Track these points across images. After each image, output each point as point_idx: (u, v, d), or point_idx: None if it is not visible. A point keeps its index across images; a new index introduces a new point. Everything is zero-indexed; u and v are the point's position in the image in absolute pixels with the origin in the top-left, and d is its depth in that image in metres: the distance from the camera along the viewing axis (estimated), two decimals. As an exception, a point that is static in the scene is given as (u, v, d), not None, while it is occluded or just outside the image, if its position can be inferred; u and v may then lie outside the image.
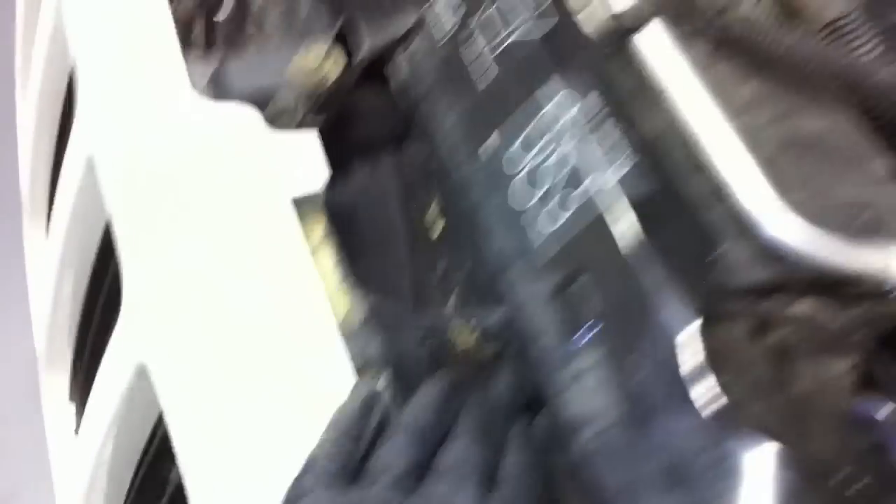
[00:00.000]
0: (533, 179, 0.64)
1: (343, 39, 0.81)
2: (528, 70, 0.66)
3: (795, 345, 0.64)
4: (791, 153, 0.62)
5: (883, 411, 0.67)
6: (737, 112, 0.60)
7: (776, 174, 0.62)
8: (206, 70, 0.79)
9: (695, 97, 0.61)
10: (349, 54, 0.81)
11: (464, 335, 0.80)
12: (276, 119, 0.78)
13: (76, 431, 1.02)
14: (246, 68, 0.80)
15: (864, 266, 0.60)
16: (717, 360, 0.61)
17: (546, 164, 0.63)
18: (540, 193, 0.63)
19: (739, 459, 0.54)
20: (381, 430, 0.62)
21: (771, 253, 0.64)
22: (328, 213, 0.77)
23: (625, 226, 0.60)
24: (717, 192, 0.65)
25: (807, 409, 0.62)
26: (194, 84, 0.78)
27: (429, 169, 0.86)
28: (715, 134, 0.60)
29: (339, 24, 0.80)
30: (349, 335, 0.67)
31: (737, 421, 0.55)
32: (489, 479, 0.59)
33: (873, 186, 0.67)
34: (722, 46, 0.62)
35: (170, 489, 0.76)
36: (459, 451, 0.59)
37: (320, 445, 0.60)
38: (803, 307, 0.66)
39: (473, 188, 0.67)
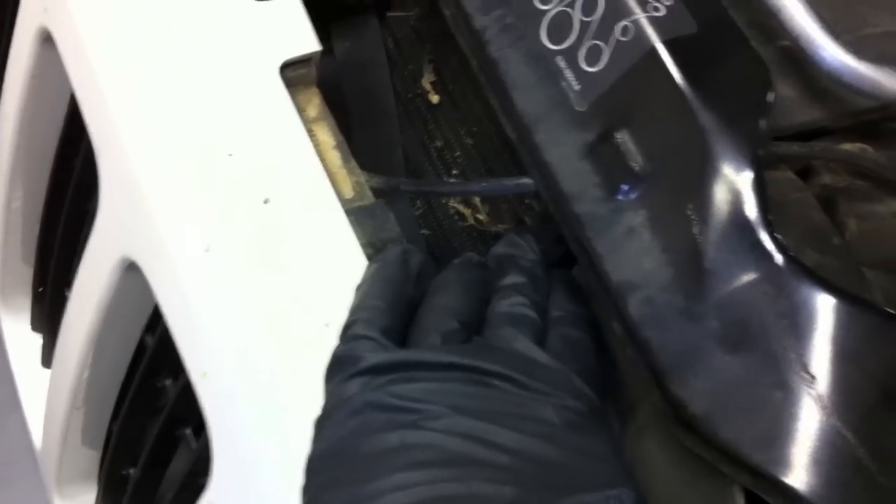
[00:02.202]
0: (566, 15, 0.58)
1: None
2: None
3: (844, 188, 0.59)
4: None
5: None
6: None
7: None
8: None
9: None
10: None
11: (470, 209, 0.74)
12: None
13: (43, 363, 0.96)
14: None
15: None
16: (773, 206, 0.56)
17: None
18: (578, 28, 0.57)
19: (809, 309, 0.49)
20: (421, 285, 0.57)
21: (815, 90, 0.59)
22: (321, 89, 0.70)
23: (674, 67, 0.54)
24: (766, 32, 0.59)
25: (862, 254, 0.58)
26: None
27: (421, 34, 0.78)
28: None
29: None
30: (354, 214, 0.60)
31: (810, 271, 0.50)
32: (541, 328, 0.54)
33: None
34: None
35: (167, 402, 0.70)
36: (507, 302, 0.54)
37: (366, 294, 0.54)
38: (849, 148, 0.61)
39: (499, 35, 0.60)
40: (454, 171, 0.76)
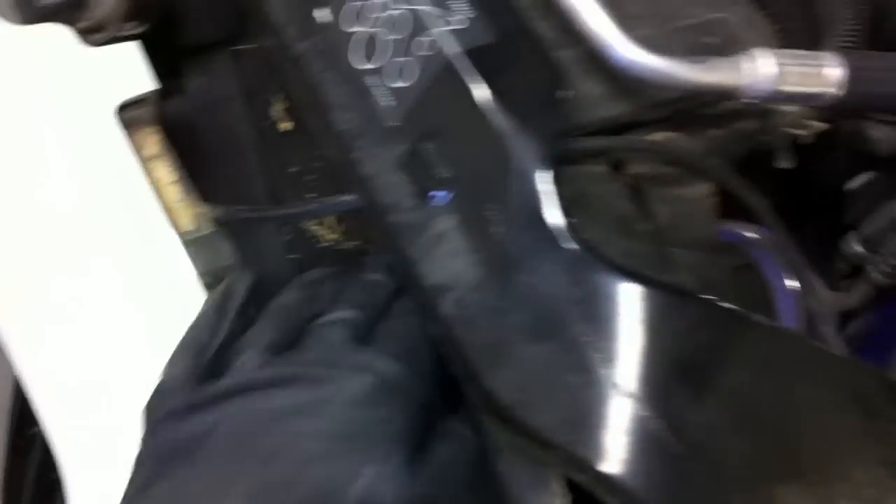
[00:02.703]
0: (373, 36, 0.60)
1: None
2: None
3: (653, 176, 0.62)
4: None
5: (748, 233, 0.67)
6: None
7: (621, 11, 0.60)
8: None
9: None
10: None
11: (325, 229, 0.76)
12: (91, 33, 0.72)
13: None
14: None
15: (713, 82, 0.58)
16: (578, 200, 0.58)
17: (387, 16, 0.59)
18: (386, 47, 0.59)
19: (601, 294, 0.52)
20: (242, 324, 0.59)
21: (620, 86, 0.62)
22: (165, 128, 0.72)
23: (472, 76, 0.56)
24: (564, 35, 0.62)
25: (670, 239, 0.61)
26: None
27: (270, 64, 0.81)
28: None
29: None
30: (194, 245, 0.62)
31: (602, 258, 0.53)
32: (363, 328, 0.57)
33: (724, 6, 0.66)
34: None
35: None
36: (331, 321, 0.57)
37: (178, 349, 0.56)
38: (658, 138, 0.64)
39: (314, 61, 0.63)
40: (312, 195, 0.78)
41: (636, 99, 0.63)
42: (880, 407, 0.56)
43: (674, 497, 0.51)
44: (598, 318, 0.52)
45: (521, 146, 0.55)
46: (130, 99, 0.67)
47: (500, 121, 0.56)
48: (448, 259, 0.57)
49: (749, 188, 0.63)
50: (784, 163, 0.72)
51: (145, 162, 0.67)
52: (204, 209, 0.66)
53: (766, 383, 0.54)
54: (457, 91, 0.57)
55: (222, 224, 0.66)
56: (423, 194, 0.58)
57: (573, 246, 0.54)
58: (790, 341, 0.55)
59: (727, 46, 0.63)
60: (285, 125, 0.80)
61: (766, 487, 0.52)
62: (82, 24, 0.71)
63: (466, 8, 0.58)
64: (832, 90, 0.59)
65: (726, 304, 0.54)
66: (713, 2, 0.69)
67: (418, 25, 0.58)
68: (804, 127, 0.70)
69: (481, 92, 0.57)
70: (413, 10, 0.58)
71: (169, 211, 0.65)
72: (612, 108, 0.63)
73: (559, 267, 0.54)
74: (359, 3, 0.61)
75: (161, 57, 0.75)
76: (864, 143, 0.75)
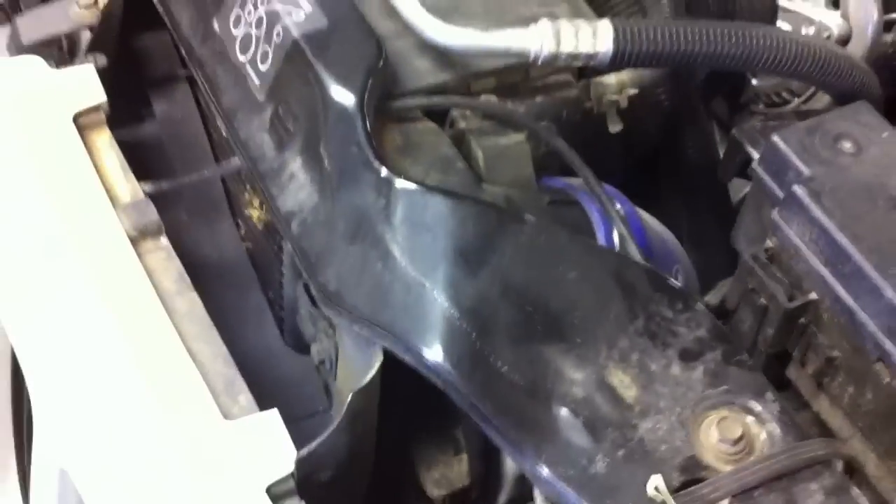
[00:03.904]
0: (248, 34, 0.78)
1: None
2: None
3: (475, 129, 0.77)
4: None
5: (566, 183, 0.80)
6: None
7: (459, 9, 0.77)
8: (6, 32, 0.95)
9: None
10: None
11: (255, 209, 0.94)
12: (65, 63, 0.93)
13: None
14: (34, 21, 0.95)
15: (506, 46, 0.74)
16: (409, 146, 0.74)
17: (254, 18, 0.78)
18: (256, 40, 0.77)
19: (405, 203, 0.67)
20: None
21: (443, 60, 0.78)
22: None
23: (307, 51, 0.74)
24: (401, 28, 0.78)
25: (486, 177, 0.75)
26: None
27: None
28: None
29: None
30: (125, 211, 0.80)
31: (397, 177, 0.68)
32: None
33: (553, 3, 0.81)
34: None
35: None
36: None
37: None
38: (484, 100, 0.80)
39: (211, 60, 0.81)
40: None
41: (457, 69, 0.79)
42: (641, 289, 0.68)
43: (450, 354, 0.65)
44: (398, 220, 0.67)
45: (341, 97, 0.72)
46: (84, 109, 0.86)
47: (326, 79, 0.73)
48: (296, 191, 0.73)
49: (553, 135, 0.78)
50: (613, 126, 0.86)
51: (95, 155, 0.85)
52: (141, 185, 0.84)
53: (534, 265, 0.67)
54: (296, 64, 0.74)
55: (165, 195, 0.84)
56: (279, 145, 0.75)
57: (382, 169, 0.69)
58: (560, 235, 0.69)
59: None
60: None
61: (534, 347, 0.65)
62: (57, 57, 0.92)
63: (306, 3, 0.76)
64: (604, 49, 0.74)
65: (501, 205, 0.69)
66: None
67: (272, 20, 0.77)
68: (620, 93, 0.85)
69: (314, 60, 0.74)
70: (269, 9, 0.76)
71: (108, 188, 0.83)
72: (438, 77, 0.79)
73: (371, 186, 0.69)
74: (238, 11, 0.80)
75: (130, 86, 0.95)
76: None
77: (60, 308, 0.72)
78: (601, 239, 0.77)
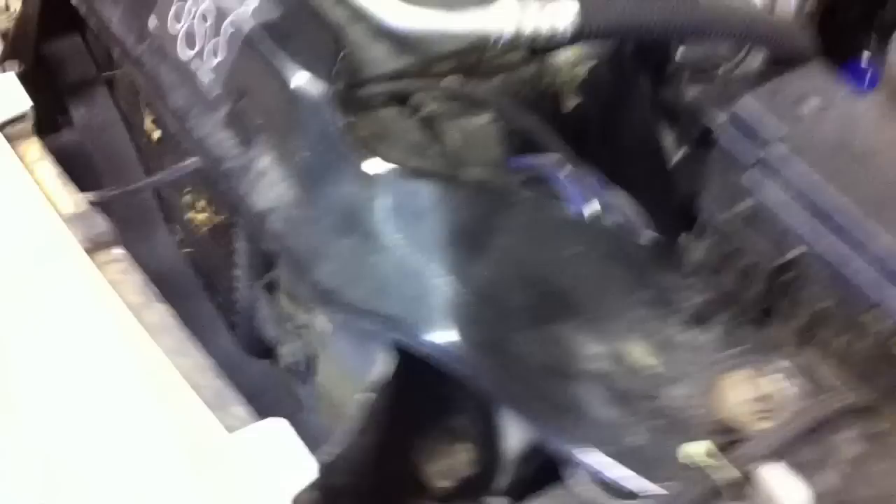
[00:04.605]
0: (192, 29, 0.74)
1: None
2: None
3: (443, 112, 0.76)
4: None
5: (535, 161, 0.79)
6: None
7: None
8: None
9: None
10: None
11: (199, 213, 0.89)
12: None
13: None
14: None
15: (469, 27, 0.72)
16: (378, 134, 0.72)
17: (198, 12, 0.74)
18: (202, 33, 0.73)
19: (396, 190, 0.65)
20: None
21: (401, 45, 0.76)
22: (59, 158, 0.85)
23: (266, 44, 0.70)
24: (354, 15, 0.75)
25: (460, 160, 0.74)
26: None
27: (135, 85, 0.95)
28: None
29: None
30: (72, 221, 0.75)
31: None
32: None
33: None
34: None
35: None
36: None
37: None
38: (448, 82, 0.78)
39: (150, 59, 0.77)
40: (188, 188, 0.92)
41: (416, 53, 0.77)
42: (642, 259, 0.69)
43: (467, 340, 0.63)
44: (389, 210, 0.65)
45: (307, 88, 0.69)
46: (9, 118, 0.80)
47: (289, 71, 0.69)
48: (270, 188, 0.70)
49: (523, 113, 0.77)
50: (570, 101, 0.86)
51: (30, 164, 0.80)
52: (82, 195, 0.79)
53: (537, 242, 0.66)
54: (256, 56, 0.71)
55: (98, 205, 0.79)
56: (246, 142, 0.72)
57: (364, 161, 0.67)
58: (558, 210, 0.68)
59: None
60: (157, 134, 0.94)
61: (549, 326, 0.64)
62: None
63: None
64: (568, 24, 0.74)
65: (498, 184, 0.68)
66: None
67: (221, 12, 0.73)
68: (578, 66, 0.85)
69: (273, 51, 0.71)
70: (215, 2, 0.73)
71: (50, 199, 0.77)
72: (398, 63, 0.77)
73: (354, 178, 0.67)
74: (177, 5, 0.75)
75: (46, 94, 0.89)
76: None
77: (34, 330, 0.67)
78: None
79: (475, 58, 0.80)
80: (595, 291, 0.66)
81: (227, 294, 0.89)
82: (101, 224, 0.77)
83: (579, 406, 0.60)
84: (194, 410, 0.65)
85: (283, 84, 0.69)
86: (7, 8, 0.87)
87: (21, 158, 0.80)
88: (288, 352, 0.80)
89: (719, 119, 0.76)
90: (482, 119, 0.77)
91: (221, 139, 0.73)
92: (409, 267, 0.64)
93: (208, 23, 0.73)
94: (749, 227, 0.71)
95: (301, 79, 0.69)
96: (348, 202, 0.67)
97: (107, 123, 0.96)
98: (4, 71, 0.87)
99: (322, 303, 0.66)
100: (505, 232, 0.65)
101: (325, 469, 0.59)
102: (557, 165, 0.77)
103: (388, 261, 0.65)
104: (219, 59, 0.73)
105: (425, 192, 0.65)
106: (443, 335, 0.63)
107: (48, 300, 0.69)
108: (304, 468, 0.61)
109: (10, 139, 0.81)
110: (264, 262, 0.80)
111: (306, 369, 0.78)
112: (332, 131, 0.67)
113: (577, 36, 0.75)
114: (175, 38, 0.76)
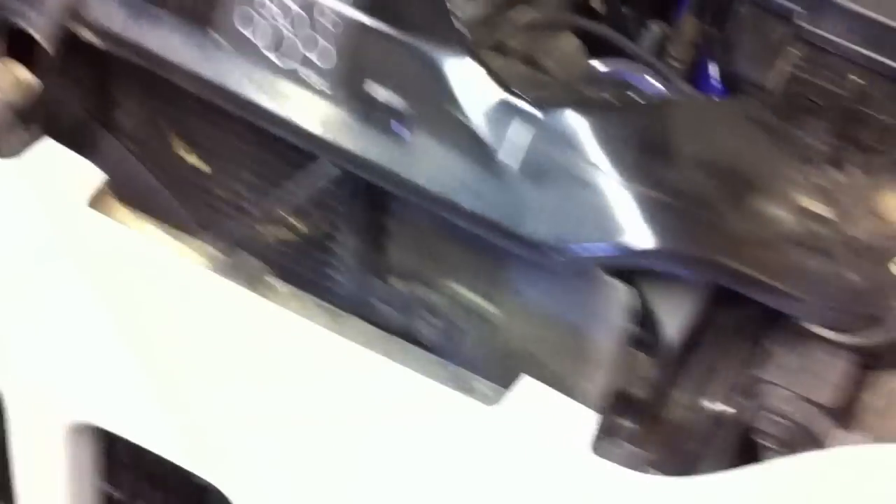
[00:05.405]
0: (280, 35, 0.71)
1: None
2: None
3: (532, 44, 0.77)
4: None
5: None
6: None
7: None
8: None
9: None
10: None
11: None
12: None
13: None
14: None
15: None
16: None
17: (286, 16, 0.70)
18: (299, 42, 0.70)
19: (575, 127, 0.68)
20: None
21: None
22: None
23: (376, 22, 0.69)
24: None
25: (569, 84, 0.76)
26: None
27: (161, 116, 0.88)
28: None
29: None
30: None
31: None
32: None
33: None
34: None
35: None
36: None
37: None
38: (519, 15, 0.79)
39: (230, 79, 0.73)
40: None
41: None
42: (774, 125, 0.74)
43: (680, 235, 0.67)
44: (582, 149, 0.68)
45: (440, 52, 0.69)
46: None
47: (428, 48, 0.69)
48: (444, 166, 0.69)
49: (593, 23, 0.81)
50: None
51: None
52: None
53: (708, 136, 0.71)
54: (373, 37, 0.70)
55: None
56: (390, 130, 0.70)
57: (536, 111, 0.68)
58: (708, 102, 0.76)
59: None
60: (192, 156, 0.88)
61: (744, 203, 0.69)
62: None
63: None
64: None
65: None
66: None
67: (316, 11, 0.70)
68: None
69: (387, 26, 0.70)
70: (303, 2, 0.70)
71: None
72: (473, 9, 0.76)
73: (535, 129, 0.68)
74: (251, 13, 0.72)
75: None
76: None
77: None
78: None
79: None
80: (763, 166, 0.72)
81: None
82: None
83: (794, 267, 0.68)
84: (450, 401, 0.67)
85: (416, 61, 0.69)
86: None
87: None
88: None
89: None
90: (565, 40, 0.79)
91: (361, 135, 0.71)
92: (613, 193, 0.67)
93: (304, 26, 0.71)
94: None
95: (435, 52, 0.69)
96: (537, 156, 0.68)
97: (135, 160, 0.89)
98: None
99: (557, 261, 0.68)
100: (688, 135, 0.70)
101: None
102: (638, 69, 0.81)
103: (600, 194, 0.67)
104: (329, 59, 0.71)
105: (610, 124, 0.68)
106: (680, 244, 0.67)
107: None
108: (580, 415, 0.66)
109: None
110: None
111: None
112: (492, 92, 0.68)
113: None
114: (258, 48, 0.72)
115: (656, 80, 0.80)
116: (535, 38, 0.78)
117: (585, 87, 0.77)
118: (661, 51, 0.86)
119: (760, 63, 0.79)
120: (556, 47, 0.79)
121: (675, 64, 0.85)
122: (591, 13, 0.87)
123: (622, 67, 0.82)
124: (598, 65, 0.82)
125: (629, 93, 0.77)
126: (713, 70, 0.85)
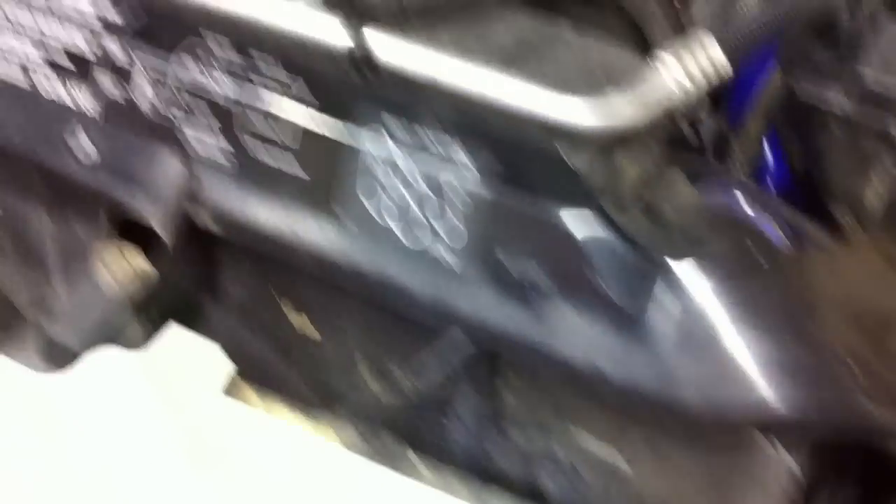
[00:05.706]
0: (406, 217, 0.71)
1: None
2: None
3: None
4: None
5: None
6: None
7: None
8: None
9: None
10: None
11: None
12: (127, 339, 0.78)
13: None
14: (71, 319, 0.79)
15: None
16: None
17: (412, 196, 0.71)
18: (427, 223, 0.70)
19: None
20: None
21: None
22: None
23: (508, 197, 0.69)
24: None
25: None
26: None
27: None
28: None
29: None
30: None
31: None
32: None
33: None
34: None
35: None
36: None
37: None
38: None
39: (359, 258, 0.73)
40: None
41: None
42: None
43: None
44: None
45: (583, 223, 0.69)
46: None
47: (556, 212, 0.69)
48: (579, 334, 0.69)
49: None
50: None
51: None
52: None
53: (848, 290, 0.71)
54: (499, 215, 0.70)
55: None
56: (536, 303, 0.70)
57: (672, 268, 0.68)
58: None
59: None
60: (307, 327, 0.88)
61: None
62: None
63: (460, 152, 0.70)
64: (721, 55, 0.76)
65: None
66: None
67: (443, 188, 0.70)
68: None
69: (526, 201, 0.70)
70: (428, 181, 0.70)
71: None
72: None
73: (667, 289, 0.68)
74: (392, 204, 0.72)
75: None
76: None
77: None
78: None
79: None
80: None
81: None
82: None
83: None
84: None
85: (545, 229, 0.69)
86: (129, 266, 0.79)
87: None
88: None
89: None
90: (675, 179, 0.78)
91: (497, 305, 0.71)
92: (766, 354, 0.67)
93: (430, 205, 0.71)
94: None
95: (563, 215, 0.69)
96: (671, 315, 0.67)
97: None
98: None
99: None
100: (815, 294, 0.69)
101: None
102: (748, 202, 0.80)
103: (726, 346, 0.66)
104: (459, 236, 0.71)
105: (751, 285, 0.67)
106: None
107: None
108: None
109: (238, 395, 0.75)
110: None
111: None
112: (624, 250, 0.68)
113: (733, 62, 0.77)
114: (389, 232, 0.72)
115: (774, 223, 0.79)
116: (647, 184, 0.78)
117: (708, 234, 0.76)
118: (723, 145, 0.86)
119: (855, 175, 0.79)
120: (670, 190, 0.78)
121: (740, 159, 0.84)
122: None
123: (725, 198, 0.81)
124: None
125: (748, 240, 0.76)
126: (777, 167, 0.85)
